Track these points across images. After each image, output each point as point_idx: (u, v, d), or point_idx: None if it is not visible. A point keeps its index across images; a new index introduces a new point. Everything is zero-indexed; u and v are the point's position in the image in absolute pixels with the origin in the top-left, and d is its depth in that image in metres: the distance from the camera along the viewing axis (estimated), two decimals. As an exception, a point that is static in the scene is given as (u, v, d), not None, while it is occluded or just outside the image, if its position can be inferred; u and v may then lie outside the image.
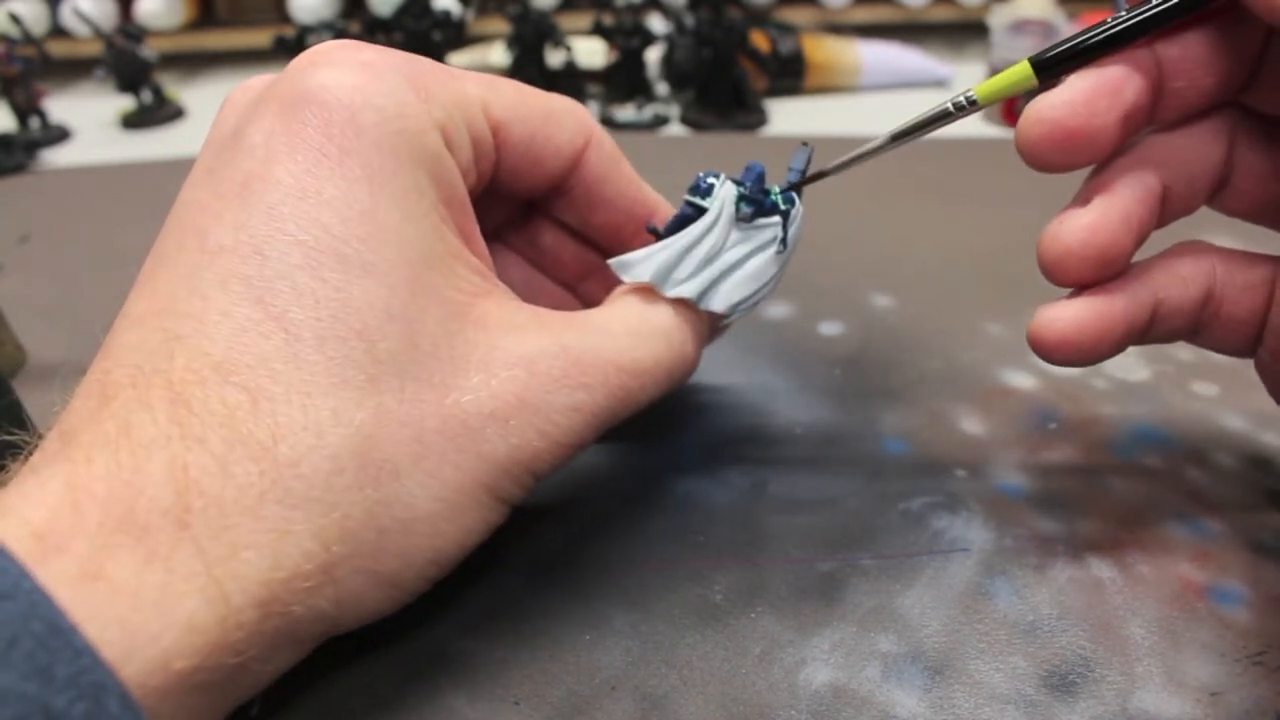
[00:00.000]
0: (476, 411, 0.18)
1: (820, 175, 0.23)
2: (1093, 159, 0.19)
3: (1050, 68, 0.19)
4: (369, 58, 0.19)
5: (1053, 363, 0.20)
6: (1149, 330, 0.21)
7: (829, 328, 0.34)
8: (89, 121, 0.63)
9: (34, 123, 0.60)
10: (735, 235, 0.23)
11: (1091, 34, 0.19)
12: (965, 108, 0.21)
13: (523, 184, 0.23)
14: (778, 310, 0.35)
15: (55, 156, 0.58)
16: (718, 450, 0.28)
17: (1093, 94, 0.18)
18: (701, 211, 0.22)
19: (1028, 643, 0.21)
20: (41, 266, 0.41)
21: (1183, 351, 0.32)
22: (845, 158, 0.22)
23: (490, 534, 0.20)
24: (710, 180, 0.23)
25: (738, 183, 0.23)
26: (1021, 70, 0.20)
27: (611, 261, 0.22)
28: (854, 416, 0.29)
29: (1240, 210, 0.22)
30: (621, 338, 0.21)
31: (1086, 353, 0.20)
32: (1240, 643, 0.21)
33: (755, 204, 0.23)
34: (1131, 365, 0.31)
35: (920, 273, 0.38)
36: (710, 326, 0.24)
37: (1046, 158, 0.19)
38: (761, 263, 0.23)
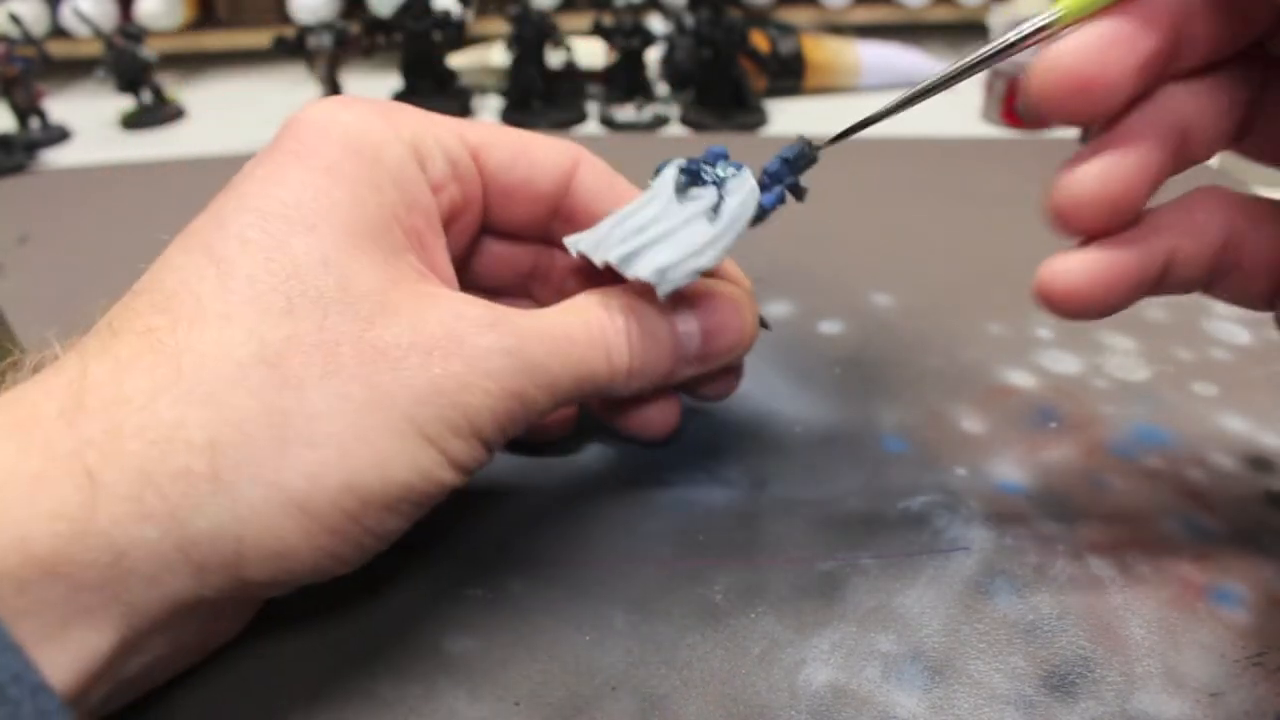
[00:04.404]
0: (395, 342, 0.18)
1: (868, 122, 0.22)
2: (1109, 110, 0.18)
3: None
4: (349, 101, 0.22)
5: (1060, 315, 0.20)
6: (1161, 282, 0.20)
7: (829, 327, 0.34)
8: (89, 121, 0.63)
9: (34, 123, 0.59)
10: (675, 208, 0.23)
11: None
12: (1044, 29, 0.18)
13: (519, 210, 0.24)
14: (778, 309, 0.35)
15: (55, 156, 0.58)
16: (718, 450, 0.28)
17: (1108, 41, 0.18)
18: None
19: (1028, 643, 0.21)
20: (41, 266, 0.41)
21: (1183, 351, 0.32)
22: (895, 100, 0.21)
23: (440, 493, 0.19)
24: (664, 165, 0.23)
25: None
26: None
27: (566, 240, 0.23)
28: (854, 415, 0.29)
29: (1270, 157, 0.20)
30: (564, 313, 0.21)
31: (1096, 305, 0.19)
32: (1240, 643, 0.21)
33: (691, 174, 0.23)
34: (1131, 365, 0.31)
35: (920, 273, 0.38)
36: (676, 347, 0.23)
37: (1058, 108, 0.18)
38: (693, 231, 0.22)
